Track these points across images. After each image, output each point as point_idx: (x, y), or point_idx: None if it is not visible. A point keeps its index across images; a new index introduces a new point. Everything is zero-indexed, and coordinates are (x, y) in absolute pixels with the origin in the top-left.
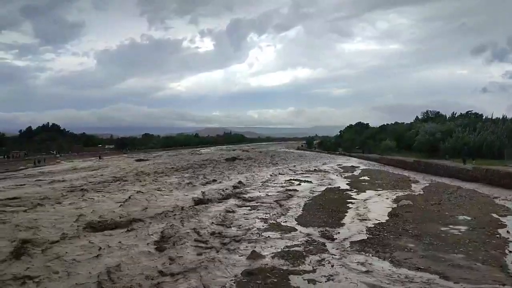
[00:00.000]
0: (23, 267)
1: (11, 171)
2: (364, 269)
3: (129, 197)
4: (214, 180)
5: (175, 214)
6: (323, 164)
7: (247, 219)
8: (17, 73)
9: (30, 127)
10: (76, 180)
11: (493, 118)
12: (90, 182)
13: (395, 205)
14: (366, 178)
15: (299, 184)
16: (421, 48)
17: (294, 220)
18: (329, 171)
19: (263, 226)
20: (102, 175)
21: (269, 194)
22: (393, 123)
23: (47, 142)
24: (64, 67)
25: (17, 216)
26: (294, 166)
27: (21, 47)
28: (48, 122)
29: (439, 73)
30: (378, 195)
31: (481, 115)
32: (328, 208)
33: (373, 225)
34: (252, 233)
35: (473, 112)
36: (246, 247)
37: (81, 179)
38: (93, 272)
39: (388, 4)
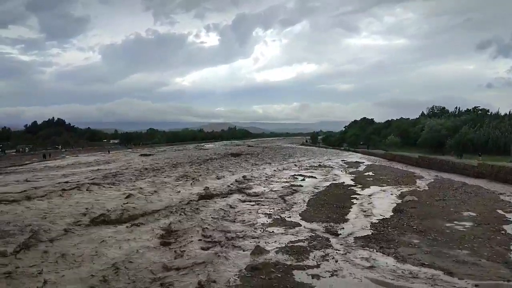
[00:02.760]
0: (28, 261)
1: (17, 166)
2: (368, 264)
3: (134, 192)
4: (219, 175)
5: (179, 209)
6: (327, 159)
7: (251, 214)
8: (22, 68)
9: (35, 121)
10: (82, 174)
11: (499, 113)
12: (96, 177)
13: (399, 201)
14: (370, 173)
15: (303, 180)
16: (427, 43)
17: (298, 215)
18: (334, 166)
19: (267, 221)
20: (106, 170)
21: (273, 189)
22: (398, 118)
23: (52, 137)
24: (70, 62)
25: (21, 210)
26: (299, 161)
27: (27, 42)
28: (53, 117)
29: (445, 68)
30: (383, 190)
31: (487, 111)
32: (332, 204)
33: (377, 221)
34: (256, 228)
35: (479, 108)
36: (250, 242)
37: (86, 174)
38: (99, 266)
39: None
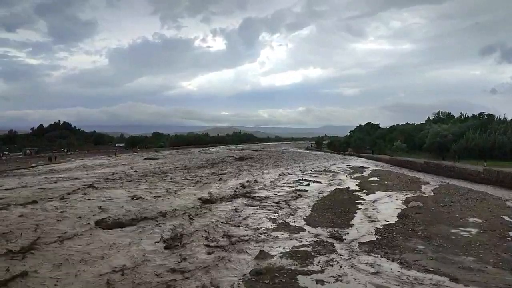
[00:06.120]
0: (32, 265)
1: (23, 168)
2: (372, 270)
3: (139, 196)
4: (223, 179)
5: (184, 213)
6: (332, 164)
7: (256, 219)
8: (30, 71)
9: (41, 124)
10: (87, 178)
11: (505, 119)
12: (100, 180)
13: (404, 207)
14: (375, 179)
15: (308, 184)
16: (433, 47)
17: (302, 220)
18: (338, 171)
19: (271, 226)
20: (112, 173)
21: (277, 193)
22: (403, 123)
23: (58, 139)
24: (77, 65)
25: (26, 212)
26: (303, 166)
27: (35, 45)
28: (59, 120)
29: (451, 72)
30: (388, 196)
31: (493, 116)
32: (337, 209)
33: (382, 226)
34: (260, 233)
35: (485, 113)
36: (255, 246)
37: (91, 177)
38: (103, 270)
39: (402, 3)
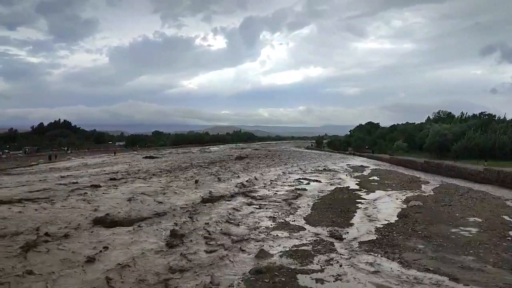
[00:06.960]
0: (33, 263)
1: (23, 167)
2: (372, 269)
3: (138, 194)
4: (223, 178)
5: (184, 212)
6: (332, 163)
7: (256, 218)
8: (30, 69)
9: (41, 123)
10: (88, 176)
11: (505, 118)
12: (100, 179)
13: (404, 206)
14: (375, 178)
15: (308, 184)
16: (435, 47)
17: (302, 219)
18: (339, 170)
19: (271, 225)
20: (112, 172)
21: (277, 192)
22: (404, 123)
23: (58, 138)
24: (77, 63)
25: (27, 212)
26: (304, 165)
27: (35, 44)
28: (59, 119)
29: (452, 72)
30: (388, 195)
31: (494, 116)
32: (337, 208)
33: (382, 226)
34: (260, 232)
35: (486, 113)
36: (255, 245)
37: (90, 176)
38: (103, 268)
39: (403, 2)
